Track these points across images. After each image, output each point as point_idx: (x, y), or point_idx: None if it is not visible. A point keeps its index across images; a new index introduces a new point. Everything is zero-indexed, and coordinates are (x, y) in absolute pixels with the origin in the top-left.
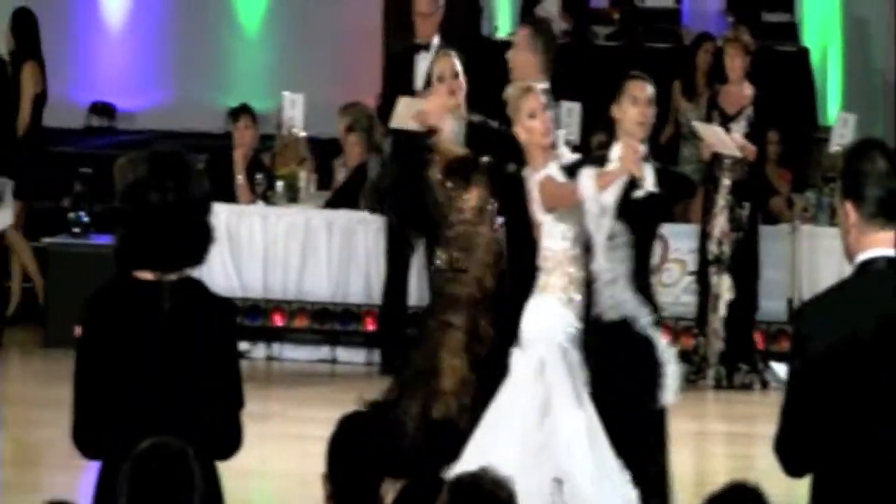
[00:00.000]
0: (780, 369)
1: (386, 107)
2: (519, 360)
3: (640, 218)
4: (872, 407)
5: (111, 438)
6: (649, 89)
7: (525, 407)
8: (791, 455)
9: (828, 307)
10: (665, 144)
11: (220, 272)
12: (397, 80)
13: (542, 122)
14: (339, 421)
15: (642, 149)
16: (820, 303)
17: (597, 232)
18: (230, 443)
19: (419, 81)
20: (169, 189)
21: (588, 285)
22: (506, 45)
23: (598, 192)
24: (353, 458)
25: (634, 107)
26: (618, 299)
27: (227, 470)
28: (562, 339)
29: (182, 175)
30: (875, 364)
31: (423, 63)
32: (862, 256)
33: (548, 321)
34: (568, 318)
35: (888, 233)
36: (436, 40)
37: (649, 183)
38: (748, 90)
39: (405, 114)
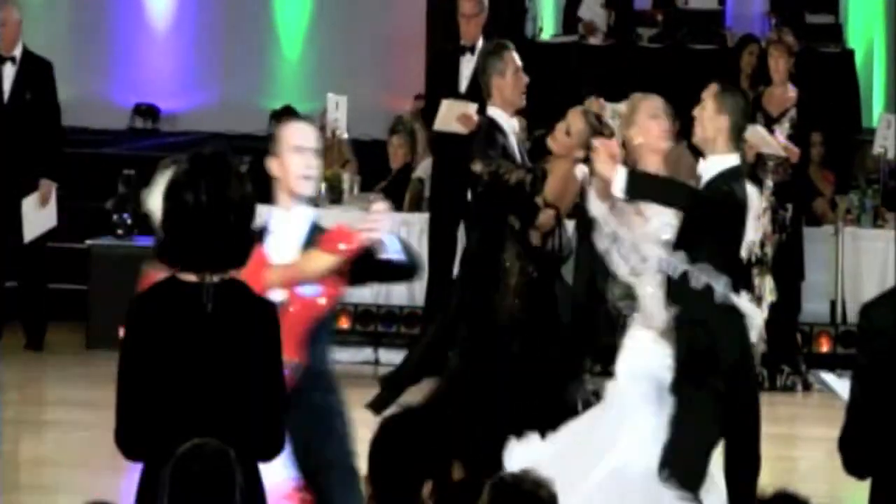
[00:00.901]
0: (830, 379)
1: (430, 108)
2: (615, 394)
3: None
4: None
5: (154, 440)
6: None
7: (607, 440)
8: (854, 454)
9: (891, 307)
10: None
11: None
12: (441, 81)
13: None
14: (380, 423)
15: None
16: (886, 300)
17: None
18: (272, 445)
19: (463, 83)
20: (203, 189)
21: None
22: (549, 46)
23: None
24: (394, 459)
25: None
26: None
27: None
28: (659, 376)
29: (218, 176)
30: None
31: (467, 65)
32: None
33: (645, 358)
34: (663, 352)
35: None
36: (480, 42)
37: (617, 188)
38: (792, 92)
39: (449, 116)
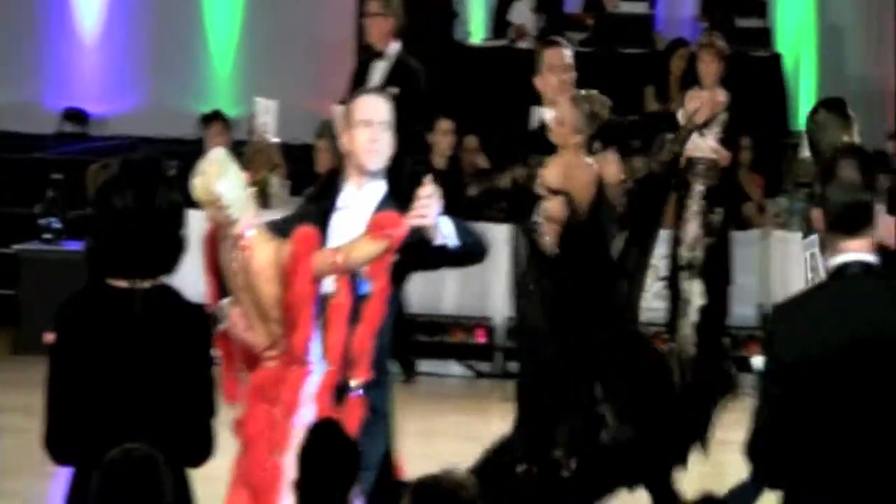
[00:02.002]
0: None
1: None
2: None
3: None
4: (843, 412)
5: (83, 445)
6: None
7: None
8: (762, 462)
9: (801, 310)
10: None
11: (191, 278)
12: (353, 87)
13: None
14: (308, 429)
15: None
16: (793, 306)
17: None
18: (202, 450)
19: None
20: (131, 195)
21: None
22: (479, 50)
23: None
24: (321, 466)
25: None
26: None
27: (200, 476)
28: None
29: (147, 182)
30: (847, 370)
31: (377, 72)
32: (836, 261)
33: None
34: None
35: (858, 239)
36: (393, 47)
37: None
38: (721, 96)
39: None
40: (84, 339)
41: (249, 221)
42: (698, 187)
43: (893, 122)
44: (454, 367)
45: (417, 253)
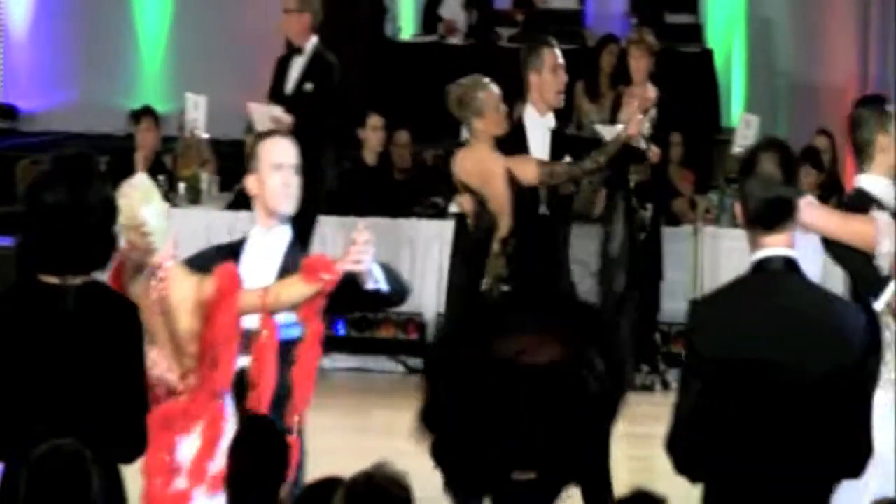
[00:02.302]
0: None
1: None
2: None
3: None
4: (761, 406)
5: (13, 440)
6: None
7: None
8: (681, 455)
9: (722, 306)
10: None
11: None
12: (273, 83)
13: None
14: (239, 424)
15: None
16: (714, 301)
17: None
18: (134, 446)
19: (290, 85)
20: (62, 192)
21: None
22: (409, 46)
23: None
24: (252, 461)
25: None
26: None
27: (132, 472)
28: None
29: (79, 178)
30: (767, 365)
31: (295, 66)
32: (757, 255)
33: None
34: None
35: (779, 234)
36: (311, 43)
37: None
38: (652, 92)
39: (262, 120)
40: (14, 335)
41: (168, 253)
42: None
43: (824, 117)
44: (385, 363)
45: (348, 296)
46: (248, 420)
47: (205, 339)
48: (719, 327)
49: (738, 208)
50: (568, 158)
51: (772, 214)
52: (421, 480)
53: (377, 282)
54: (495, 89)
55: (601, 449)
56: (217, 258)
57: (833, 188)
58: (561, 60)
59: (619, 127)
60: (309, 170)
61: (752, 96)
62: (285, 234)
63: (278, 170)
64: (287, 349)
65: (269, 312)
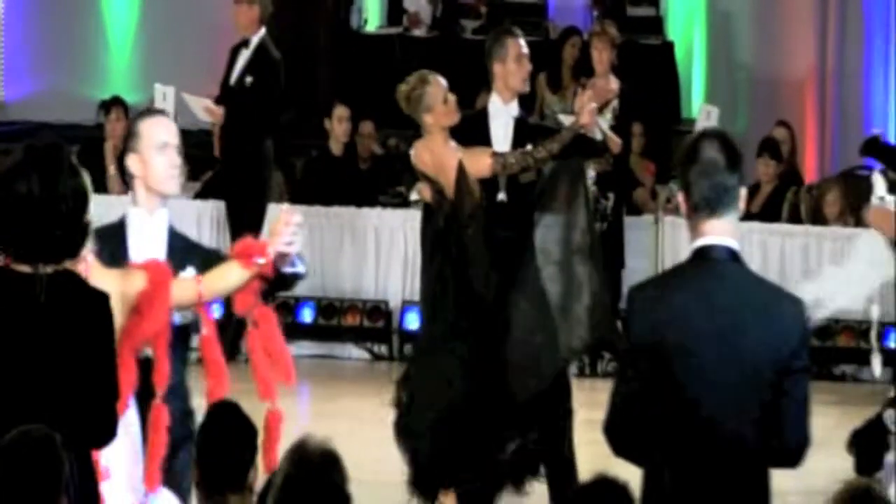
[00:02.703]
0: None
1: (217, 102)
2: None
3: None
4: (694, 391)
5: None
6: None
7: None
8: (618, 440)
9: (660, 293)
10: None
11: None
12: (226, 74)
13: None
14: (207, 410)
15: None
16: (651, 287)
17: None
18: (105, 431)
19: (234, 75)
20: (35, 180)
21: None
22: (374, 38)
23: None
24: (220, 444)
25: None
26: None
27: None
28: None
29: (51, 167)
30: (702, 351)
31: (240, 60)
32: (698, 243)
33: None
34: None
35: (721, 222)
36: (258, 36)
37: None
38: (614, 83)
39: (197, 109)
40: None
41: (88, 248)
42: (590, 173)
43: (783, 109)
44: (352, 350)
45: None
46: (216, 406)
47: (132, 333)
48: (658, 315)
49: (680, 197)
50: (529, 146)
51: (715, 200)
52: (385, 465)
53: (296, 264)
54: (441, 82)
55: (563, 431)
56: (100, 243)
57: (792, 178)
58: (525, 50)
59: None
60: (250, 162)
61: (712, 88)
62: (165, 215)
63: (163, 150)
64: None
65: (203, 302)
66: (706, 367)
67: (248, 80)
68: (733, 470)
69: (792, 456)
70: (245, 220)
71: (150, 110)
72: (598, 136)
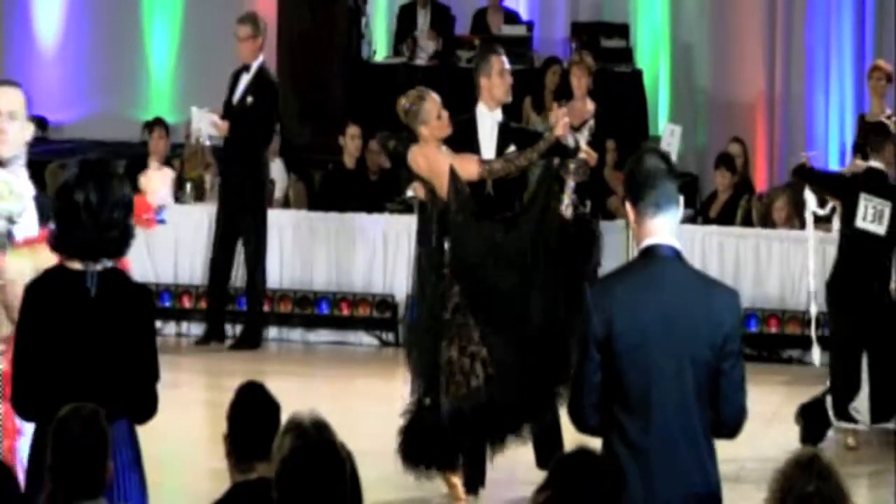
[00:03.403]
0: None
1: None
2: None
3: None
4: (642, 374)
5: (44, 404)
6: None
7: None
8: (578, 417)
9: (611, 287)
10: None
11: (137, 261)
12: (229, 94)
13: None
14: (238, 389)
15: None
16: (604, 282)
17: None
18: (147, 409)
19: (236, 96)
20: (91, 190)
21: None
22: (381, 67)
23: None
24: (251, 419)
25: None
26: None
27: (144, 431)
28: None
29: (103, 178)
30: (646, 337)
31: (242, 83)
32: (646, 243)
33: None
34: None
35: (665, 221)
36: (258, 62)
37: None
38: (590, 105)
39: (203, 123)
40: (45, 314)
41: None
42: (571, 183)
43: (737, 127)
44: (363, 337)
45: None
46: (244, 386)
47: None
48: (608, 307)
49: (627, 205)
50: (513, 147)
51: (656, 201)
52: (393, 438)
53: (161, 213)
54: (436, 99)
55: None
56: None
57: (745, 188)
58: (507, 66)
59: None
60: (251, 171)
61: (675, 109)
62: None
63: None
64: None
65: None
66: (653, 353)
67: (250, 100)
68: (676, 446)
69: (730, 428)
70: (250, 224)
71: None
72: (571, 143)
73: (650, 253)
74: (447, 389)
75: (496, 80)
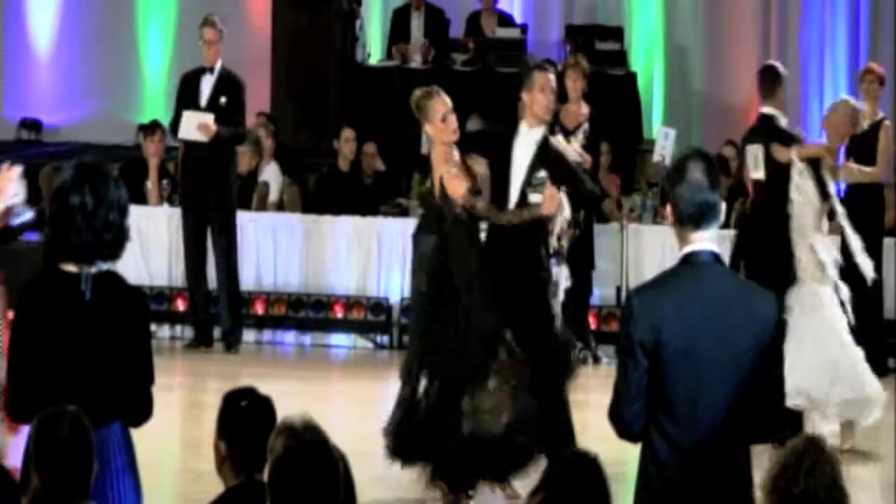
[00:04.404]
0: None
1: (176, 120)
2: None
3: None
4: (689, 378)
5: (37, 406)
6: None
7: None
8: (621, 423)
9: (657, 293)
10: None
11: (131, 263)
12: (186, 98)
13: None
14: (225, 397)
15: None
16: (647, 290)
17: None
18: (142, 413)
19: (203, 99)
20: (87, 193)
21: None
22: (376, 70)
23: None
24: (242, 425)
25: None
26: None
27: (138, 434)
28: None
29: (99, 182)
30: (697, 342)
31: (207, 84)
32: (687, 249)
33: None
34: None
35: (706, 233)
36: (219, 63)
37: None
38: (585, 108)
39: (189, 126)
40: (39, 315)
41: None
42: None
43: (731, 130)
44: (357, 340)
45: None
46: (234, 392)
47: None
48: (655, 313)
49: (668, 210)
50: (543, 173)
51: (701, 216)
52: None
53: (21, 214)
54: (444, 101)
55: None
56: None
57: (739, 190)
58: (552, 83)
59: (559, 137)
60: (224, 171)
61: (669, 112)
62: None
63: None
64: None
65: None
66: (700, 357)
67: (223, 99)
68: (723, 448)
69: (773, 427)
70: (224, 223)
71: None
72: (567, 215)
73: (691, 259)
74: (475, 413)
75: (537, 95)
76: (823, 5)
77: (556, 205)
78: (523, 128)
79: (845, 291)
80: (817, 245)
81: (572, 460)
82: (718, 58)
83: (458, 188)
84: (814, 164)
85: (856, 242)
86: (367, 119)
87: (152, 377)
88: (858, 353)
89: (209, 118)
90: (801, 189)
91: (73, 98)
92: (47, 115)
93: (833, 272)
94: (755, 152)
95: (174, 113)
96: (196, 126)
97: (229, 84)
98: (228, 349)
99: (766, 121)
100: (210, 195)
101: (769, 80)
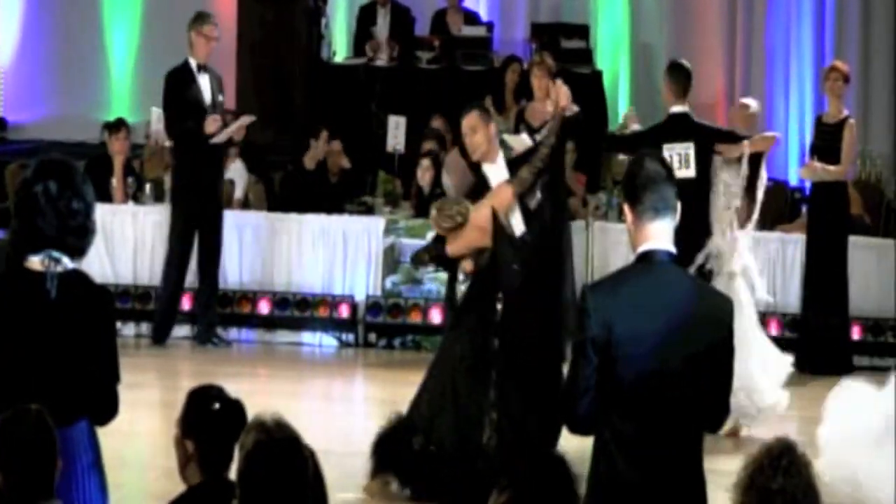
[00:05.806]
0: None
1: (178, 121)
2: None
3: None
4: (639, 375)
5: (4, 406)
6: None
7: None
8: (572, 417)
9: (610, 290)
10: None
11: (96, 262)
12: (185, 96)
13: None
14: (189, 395)
15: None
16: (603, 286)
17: None
18: (108, 411)
19: (207, 95)
20: (50, 180)
21: None
22: (342, 67)
23: None
24: (207, 425)
25: (468, 139)
26: None
27: (104, 432)
28: None
29: (64, 177)
30: (645, 340)
31: (203, 83)
32: (643, 248)
33: None
34: None
35: (662, 225)
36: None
37: None
38: (550, 106)
39: (225, 129)
40: (3, 314)
41: None
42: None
43: None
44: (323, 338)
45: None
46: (197, 389)
47: None
48: (609, 310)
49: (625, 208)
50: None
51: (658, 207)
52: (351, 436)
53: None
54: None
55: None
56: None
57: None
58: (471, 123)
59: (524, 136)
60: (220, 171)
61: (635, 110)
62: None
63: None
64: None
65: None
66: (652, 356)
67: (221, 98)
68: (672, 443)
69: (718, 422)
70: (213, 220)
71: None
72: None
73: (647, 258)
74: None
75: (467, 141)
76: (789, 3)
77: (567, 96)
78: (485, 167)
79: (760, 290)
80: (739, 240)
81: (539, 459)
82: (684, 56)
83: (504, 192)
84: (757, 157)
85: (753, 263)
86: (333, 116)
87: (118, 375)
88: (764, 361)
89: (245, 120)
90: (727, 182)
91: (37, 96)
92: (12, 113)
93: (751, 265)
94: (681, 150)
95: (175, 113)
96: (235, 130)
97: (220, 82)
98: (210, 343)
99: (684, 119)
100: (205, 195)
101: (683, 79)
